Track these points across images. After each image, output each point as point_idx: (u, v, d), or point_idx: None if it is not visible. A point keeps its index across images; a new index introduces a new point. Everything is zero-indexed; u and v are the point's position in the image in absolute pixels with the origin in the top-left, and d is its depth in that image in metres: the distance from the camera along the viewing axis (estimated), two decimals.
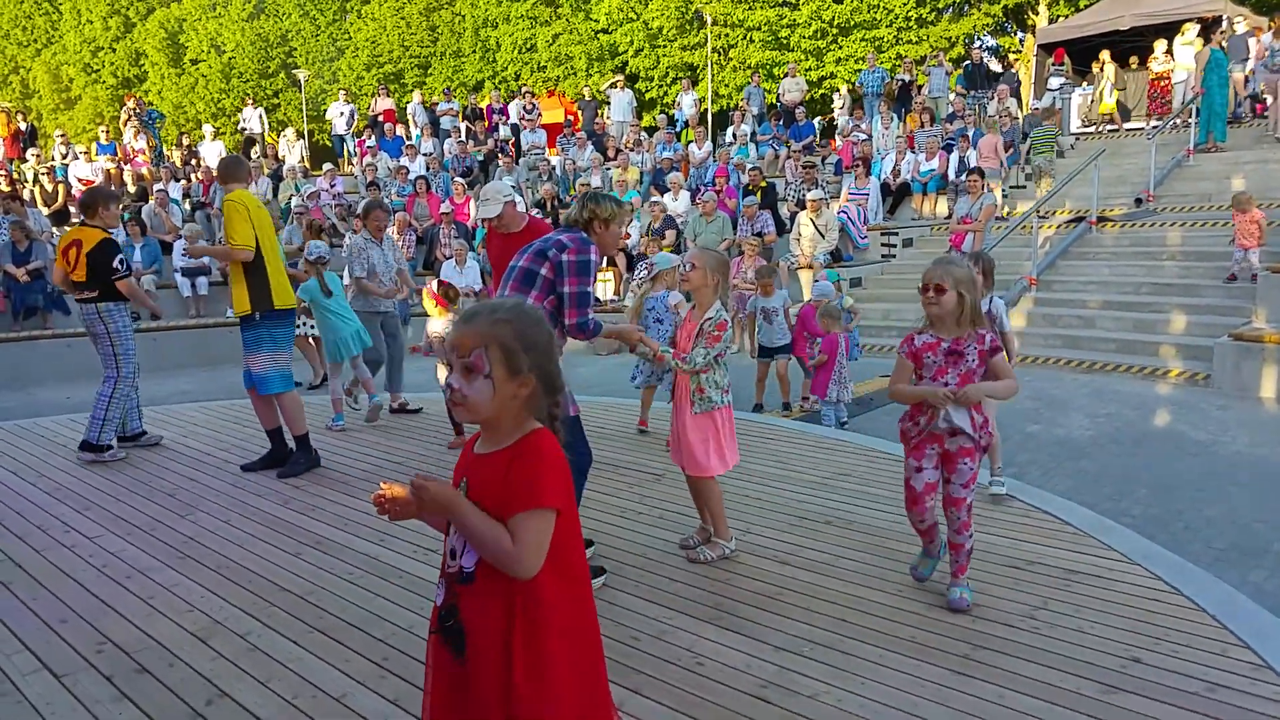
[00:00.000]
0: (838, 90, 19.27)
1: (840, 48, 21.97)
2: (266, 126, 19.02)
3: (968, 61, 17.58)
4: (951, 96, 16.25)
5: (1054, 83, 16.45)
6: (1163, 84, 15.38)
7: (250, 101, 19.11)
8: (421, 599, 3.69)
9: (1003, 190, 13.27)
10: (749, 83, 18.68)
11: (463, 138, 17.84)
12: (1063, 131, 15.84)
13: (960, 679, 2.97)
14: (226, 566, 4.06)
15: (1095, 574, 3.77)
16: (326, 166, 16.89)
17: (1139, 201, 12.44)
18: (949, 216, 12.34)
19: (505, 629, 1.73)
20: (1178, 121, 14.28)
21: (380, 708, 2.87)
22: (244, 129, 19.28)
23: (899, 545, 4.13)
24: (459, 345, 1.75)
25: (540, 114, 18.79)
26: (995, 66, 18.03)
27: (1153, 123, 14.85)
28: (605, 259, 12.77)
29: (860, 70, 18.54)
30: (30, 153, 16.84)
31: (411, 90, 22.72)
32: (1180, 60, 15.09)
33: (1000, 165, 13.37)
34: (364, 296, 7.08)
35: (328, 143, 23.09)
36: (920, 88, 16.82)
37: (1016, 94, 16.11)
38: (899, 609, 3.50)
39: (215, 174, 5.63)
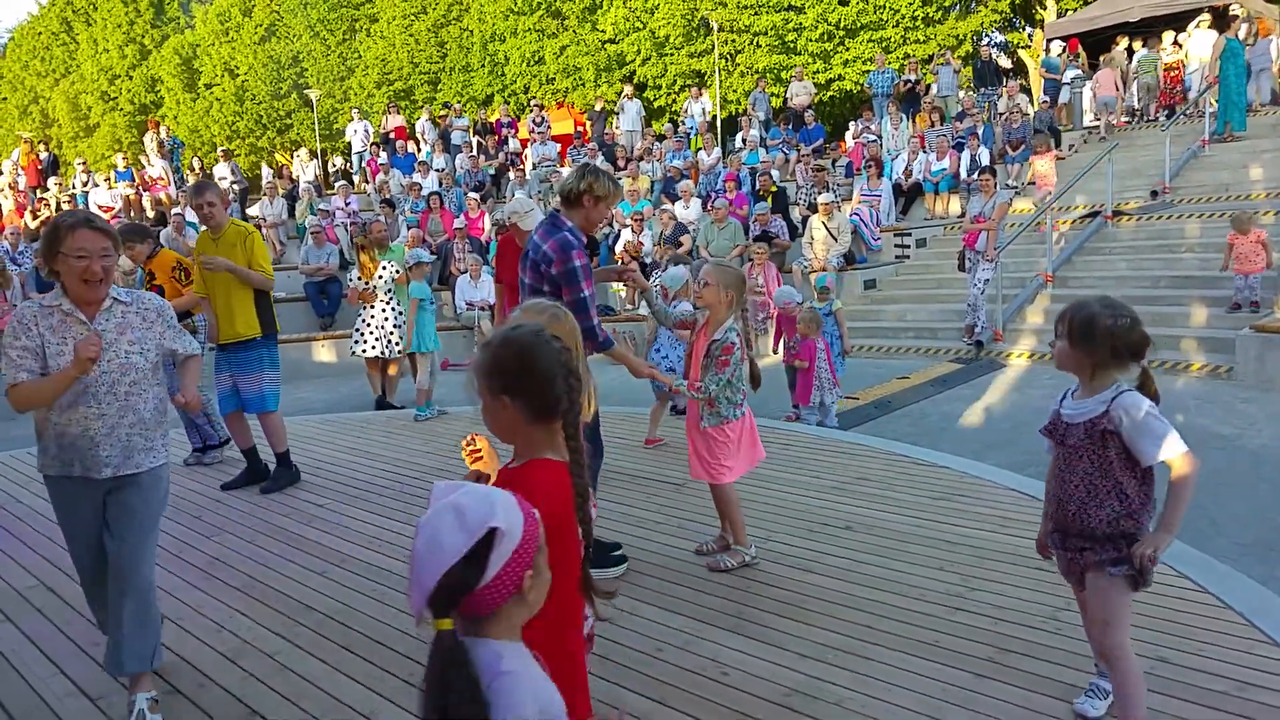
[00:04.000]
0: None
1: (847, 49, 21.95)
2: (238, 176, 18.47)
3: (976, 59, 17.53)
4: (961, 94, 16.21)
5: (1067, 75, 16.35)
6: (1173, 75, 15.26)
7: (223, 157, 18.63)
8: None
9: (1012, 185, 13.21)
10: (755, 88, 18.70)
11: (474, 152, 17.96)
12: (1074, 125, 15.76)
13: (984, 682, 2.97)
14: (253, 586, 4.12)
15: None
16: (340, 184, 17.06)
17: (1155, 194, 12.33)
18: (962, 215, 12.30)
19: None
20: (1191, 112, 14.18)
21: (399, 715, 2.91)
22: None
23: (920, 549, 4.13)
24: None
25: (550, 126, 18.88)
26: (1004, 62, 17.96)
27: (1164, 114, 14.77)
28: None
29: (869, 71, 18.53)
30: (52, 181, 17.12)
31: (422, 106, 22.90)
32: (1194, 51, 14.97)
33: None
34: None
35: (342, 161, 23.34)
36: (929, 87, 16.78)
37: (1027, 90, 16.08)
38: (922, 614, 3.50)
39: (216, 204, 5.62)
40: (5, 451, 7.08)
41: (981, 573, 3.85)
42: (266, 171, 18.95)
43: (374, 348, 8.17)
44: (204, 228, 5.64)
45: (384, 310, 8.13)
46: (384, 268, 8.10)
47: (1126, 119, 15.56)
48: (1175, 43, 15.40)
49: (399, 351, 8.15)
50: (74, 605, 3.98)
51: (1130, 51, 16.37)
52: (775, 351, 7.10)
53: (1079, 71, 16.44)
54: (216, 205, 5.51)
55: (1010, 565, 3.90)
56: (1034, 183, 12.85)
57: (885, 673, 3.06)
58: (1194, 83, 14.85)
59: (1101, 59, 16.18)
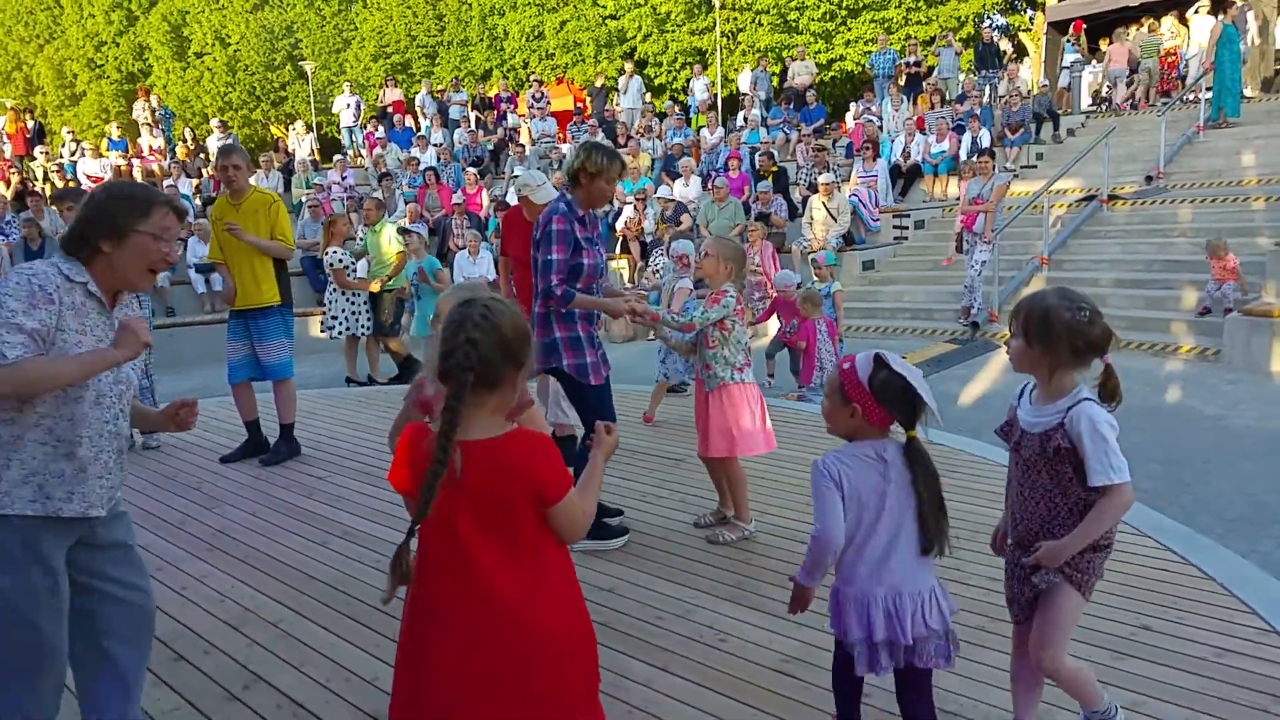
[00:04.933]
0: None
1: (849, 29, 21.84)
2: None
3: (978, 41, 17.47)
4: (961, 77, 16.17)
5: (1066, 58, 16.31)
6: (1171, 60, 15.25)
7: (219, 128, 18.35)
8: None
9: (1011, 168, 13.24)
10: (756, 67, 18.63)
11: (472, 127, 17.88)
12: (1073, 110, 15.75)
13: (974, 649, 3.04)
14: (255, 557, 4.16)
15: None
16: (337, 158, 16.98)
17: (1149, 179, 12.38)
18: (959, 198, 12.32)
19: None
20: (1189, 97, 14.18)
21: None
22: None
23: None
24: None
25: (550, 102, 18.78)
26: (1005, 45, 17.91)
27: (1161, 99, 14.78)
28: (619, 246, 12.81)
29: (870, 52, 18.45)
30: (39, 150, 16.97)
31: (419, 80, 22.73)
32: (1192, 36, 14.95)
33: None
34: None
35: (336, 135, 23.17)
36: (930, 69, 16.72)
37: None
38: None
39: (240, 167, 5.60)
40: None
41: (975, 545, 3.90)
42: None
43: (348, 327, 8.41)
44: (224, 191, 5.63)
45: (350, 295, 8.39)
46: (353, 263, 8.29)
47: (1127, 102, 15.56)
48: (1183, 21, 15.36)
49: (364, 331, 8.45)
50: None
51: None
52: (752, 325, 7.10)
53: (1078, 55, 16.41)
54: (242, 169, 5.51)
55: None
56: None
57: None
58: (1191, 68, 14.85)
59: (1115, 33, 16.16)
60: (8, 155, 16.38)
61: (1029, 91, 15.28)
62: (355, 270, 8.53)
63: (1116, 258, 10.68)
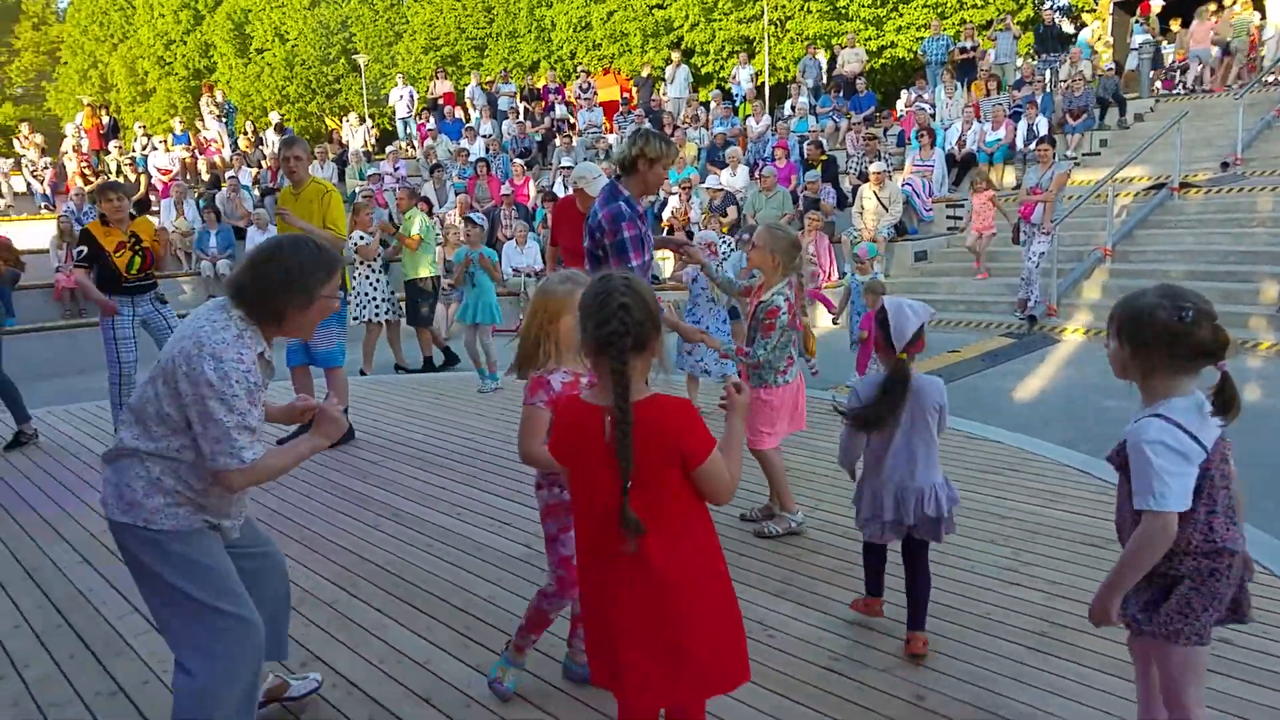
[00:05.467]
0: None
1: (901, 15, 21.41)
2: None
3: (1039, 23, 16.97)
4: (1019, 61, 15.73)
5: (1135, 40, 15.76)
6: (1251, 40, 14.67)
7: (276, 130, 18.41)
8: (499, 570, 3.80)
9: (1072, 156, 12.87)
10: (805, 54, 18.37)
11: (521, 118, 17.95)
12: (1142, 94, 15.23)
13: (1038, 656, 2.96)
14: (311, 539, 4.24)
15: None
16: (389, 149, 17.17)
17: (1225, 165, 11.90)
18: (1016, 187, 12.01)
19: None
20: (1269, 79, 13.61)
21: (463, 674, 2.98)
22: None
23: (971, 522, 4.10)
24: None
25: (596, 92, 18.77)
26: (1067, 27, 17.37)
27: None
28: (666, 233, 12.74)
29: (923, 38, 18.07)
30: (113, 145, 17.49)
31: (469, 72, 22.88)
32: (1270, 16, 14.36)
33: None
34: None
35: (388, 126, 23.44)
36: (985, 54, 16.31)
37: None
38: (971, 584, 3.49)
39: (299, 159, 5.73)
40: (75, 403, 7.35)
41: (1033, 547, 3.81)
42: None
43: (363, 311, 8.38)
44: (279, 183, 5.79)
45: (368, 278, 8.35)
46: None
47: (1220, 80, 14.96)
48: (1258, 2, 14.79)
49: (377, 317, 8.43)
50: None
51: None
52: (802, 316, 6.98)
53: (1148, 36, 15.83)
54: (302, 160, 5.70)
55: (1062, 540, 3.86)
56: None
57: (934, 642, 3.05)
58: (1269, 49, 14.27)
59: (1197, 12, 15.58)
60: (84, 150, 16.91)
61: (1094, 75, 14.77)
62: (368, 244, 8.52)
63: (1189, 249, 10.30)
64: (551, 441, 2.05)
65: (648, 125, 15.79)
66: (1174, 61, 15.83)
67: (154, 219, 14.18)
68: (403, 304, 9.07)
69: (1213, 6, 15.81)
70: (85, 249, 5.83)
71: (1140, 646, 2.22)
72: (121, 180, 15.85)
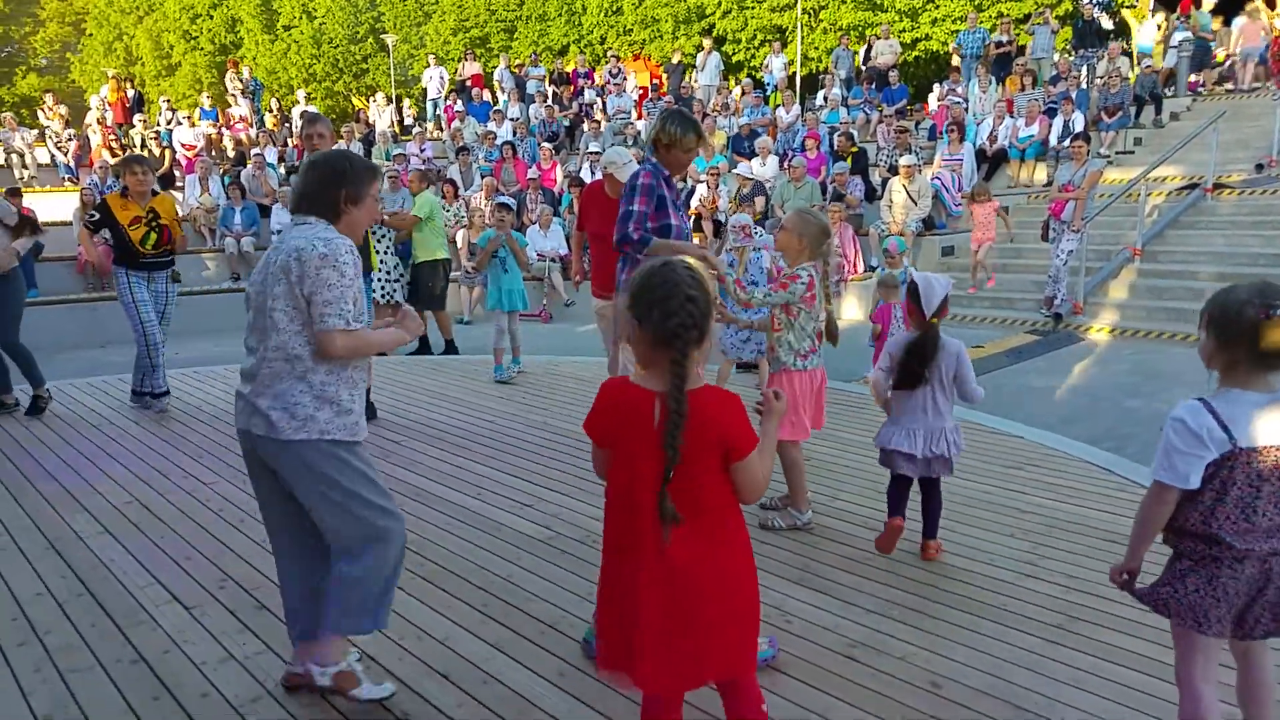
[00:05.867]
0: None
1: (937, 7, 21.17)
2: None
3: (1078, 18, 16.71)
4: (1056, 57, 15.50)
5: (1175, 38, 15.48)
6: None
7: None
8: (518, 550, 3.83)
9: (1105, 154, 12.70)
10: (838, 44, 18.21)
11: (549, 102, 17.94)
12: (1178, 92, 14.98)
13: (1054, 648, 2.96)
14: None
15: None
16: (415, 131, 17.21)
17: (1260, 167, 11.70)
18: (1048, 184, 11.87)
19: None
20: None
21: (482, 651, 3.02)
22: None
23: (990, 515, 4.09)
24: None
25: (626, 78, 18.71)
26: (1106, 23, 17.08)
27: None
28: (693, 223, 12.72)
29: (958, 31, 17.86)
30: (137, 118, 17.60)
31: (498, 55, 22.88)
32: None
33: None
34: None
35: (415, 108, 23.49)
36: (1021, 48, 16.09)
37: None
38: (988, 577, 3.48)
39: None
40: (98, 376, 7.45)
41: (1053, 541, 3.80)
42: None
43: (382, 294, 8.16)
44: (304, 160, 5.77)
45: (381, 259, 8.16)
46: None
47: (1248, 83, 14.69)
48: None
49: (389, 299, 8.15)
50: (166, 521, 4.21)
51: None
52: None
53: (1188, 34, 15.54)
54: (325, 138, 5.63)
55: (1082, 536, 3.85)
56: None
57: (951, 632, 3.06)
58: None
59: (1247, 9, 15.28)
60: (109, 123, 17.03)
61: (1131, 71, 14.53)
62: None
63: (1219, 251, 10.15)
64: (592, 418, 2.05)
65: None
66: (1223, 59, 15.51)
67: (178, 194, 14.35)
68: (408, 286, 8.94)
69: (1260, 3, 15.48)
70: (97, 215, 6.01)
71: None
72: (146, 155, 15.99)
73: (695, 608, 1.94)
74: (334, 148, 5.82)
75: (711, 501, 1.95)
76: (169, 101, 19.35)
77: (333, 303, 2.43)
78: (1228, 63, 15.42)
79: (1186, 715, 2.21)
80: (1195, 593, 2.11)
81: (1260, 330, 1.99)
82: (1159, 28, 16.66)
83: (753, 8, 23.36)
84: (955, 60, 16.45)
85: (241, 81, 18.80)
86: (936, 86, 16.38)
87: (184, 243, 6.36)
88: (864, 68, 17.41)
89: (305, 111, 17.76)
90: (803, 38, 22.00)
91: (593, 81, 18.88)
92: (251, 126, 17.92)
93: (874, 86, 16.24)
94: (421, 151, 16.05)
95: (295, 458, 2.49)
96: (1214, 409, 2.04)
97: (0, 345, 6.14)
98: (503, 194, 13.66)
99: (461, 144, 15.72)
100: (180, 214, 6.82)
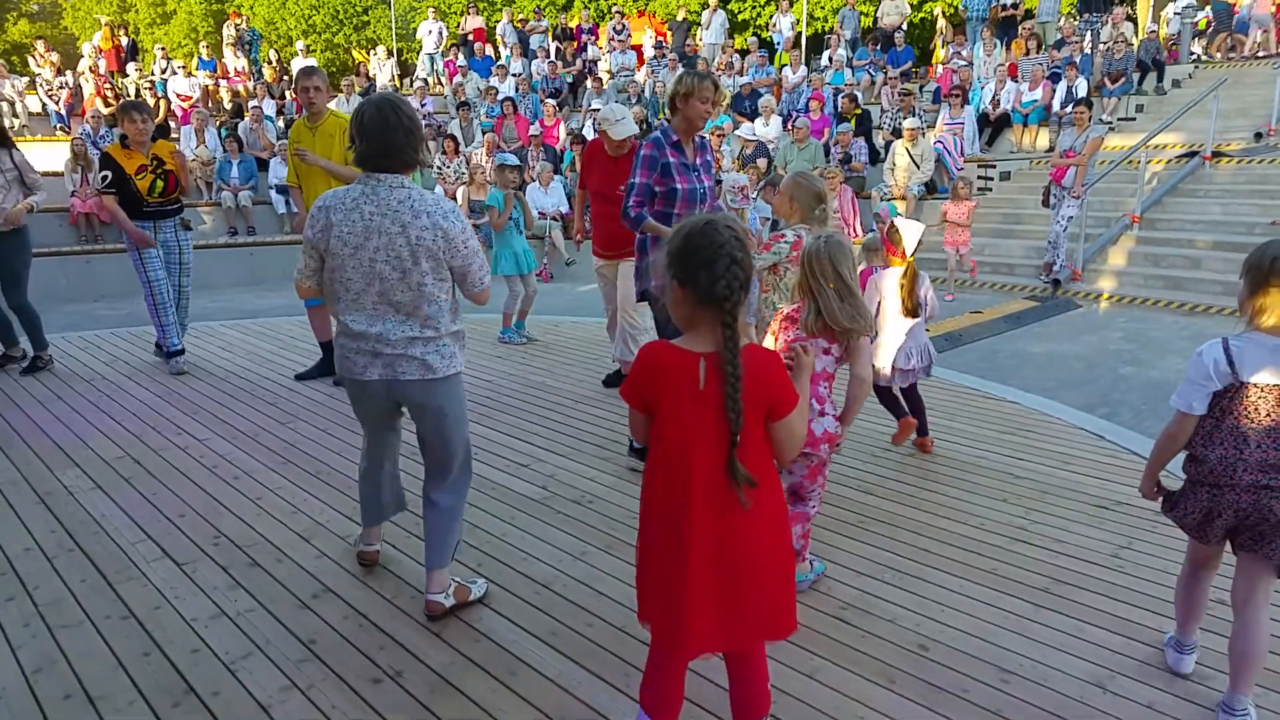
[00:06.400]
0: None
1: None
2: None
3: None
4: (1061, 21, 15.28)
5: (1178, 3, 15.27)
6: None
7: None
8: (512, 509, 3.85)
9: (1107, 120, 12.57)
10: (844, 5, 17.92)
11: (552, 58, 17.67)
12: (1182, 59, 14.81)
13: (1039, 611, 2.99)
14: (326, 473, 4.29)
15: None
16: (416, 86, 16.97)
17: (1259, 136, 11.61)
18: (1050, 150, 11.77)
19: None
20: None
21: (474, 609, 3.04)
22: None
23: (982, 479, 4.11)
24: None
25: (630, 35, 18.43)
26: None
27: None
28: None
29: None
30: (131, 67, 17.28)
31: (501, 9, 22.48)
32: None
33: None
34: None
35: (415, 61, 23.13)
36: (1029, 12, 15.85)
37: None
38: (980, 541, 3.51)
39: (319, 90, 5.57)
40: (90, 330, 7.42)
41: (1043, 506, 3.83)
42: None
43: None
44: (301, 115, 5.61)
45: None
46: None
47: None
48: None
49: None
50: (159, 477, 4.21)
51: None
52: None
53: (1192, 1, 15.33)
54: (322, 91, 5.48)
55: (1072, 501, 3.87)
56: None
57: (941, 595, 3.09)
58: None
59: None
60: (102, 71, 16.74)
61: (1135, 37, 14.35)
62: None
63: (1216, 219, 10.11)
64: (631, 384, 2.01)
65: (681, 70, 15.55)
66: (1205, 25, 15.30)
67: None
68: None
69: None
70: (109, 174, 5.70)
71: None
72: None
73: (745, 568, 1.95)
74: (330, 106, 5.72)
75: (756, 463, 1.94)
76: (164, 50, 18.99)
77: (482, 265, 2.81)
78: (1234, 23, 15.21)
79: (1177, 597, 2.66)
80: (1184, 500, 2.42)
81: None
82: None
83: None
84: (941, 24, 16.23)
85: (237, 31, 18.45)
86: (941, 49, 16.14)
87: (184, 169, 6.04)
88: (873, 27, 17.15)
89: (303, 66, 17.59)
90: None
91: (596, 38, 18.58)
92: (250, 79, 17.64)
93: (879, 48, 16.02)
94: (422, 106, 15.84)
95: (449, 388, 2.87)
96: (1228, 346, 2.27)
97: (10, 307, 6.03)
98: (504, 150, 13.52)
99: (463, 99, 15.51)
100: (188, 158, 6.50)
